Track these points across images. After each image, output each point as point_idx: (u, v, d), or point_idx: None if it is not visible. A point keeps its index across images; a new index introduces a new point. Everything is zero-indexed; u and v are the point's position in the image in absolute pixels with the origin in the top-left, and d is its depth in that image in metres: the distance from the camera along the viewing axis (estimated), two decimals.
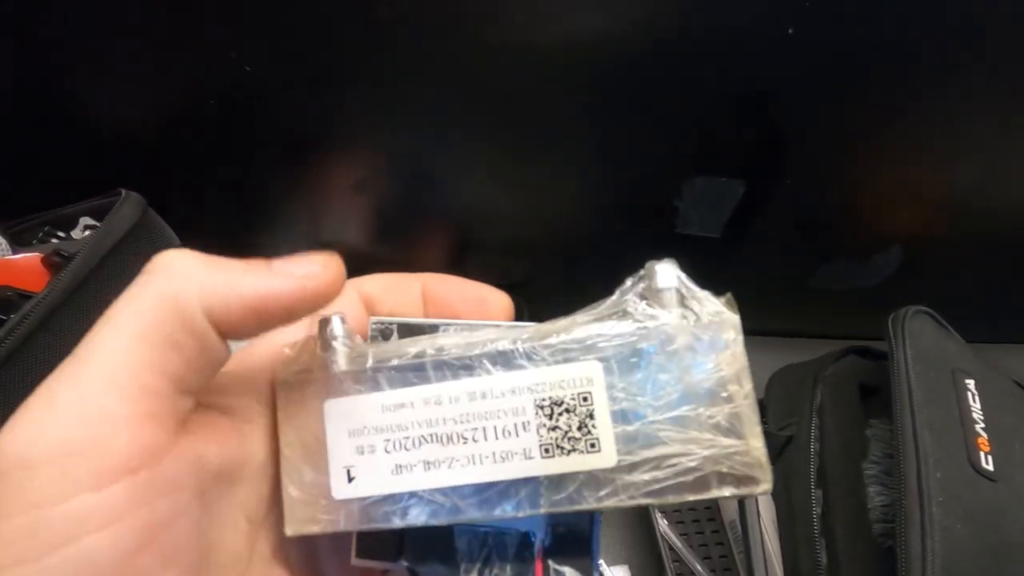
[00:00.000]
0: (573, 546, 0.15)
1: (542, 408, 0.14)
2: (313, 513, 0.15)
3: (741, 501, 0.41)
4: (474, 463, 0.14)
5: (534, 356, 0.14)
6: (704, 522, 0.51)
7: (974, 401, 0.38)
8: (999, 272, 0.59)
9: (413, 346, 0.15)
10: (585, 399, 0.14)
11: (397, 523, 0.14)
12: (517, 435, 0.14)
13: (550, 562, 0.15)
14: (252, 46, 0.43)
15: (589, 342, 0.14)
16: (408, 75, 0.45)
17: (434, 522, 0.14)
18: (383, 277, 0.19)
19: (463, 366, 0.14)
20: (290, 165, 0.51)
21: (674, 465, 0.13)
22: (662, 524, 0.49)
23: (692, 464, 0.13)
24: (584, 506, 0.14)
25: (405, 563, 0.16)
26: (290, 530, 0.15)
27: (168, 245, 0.42)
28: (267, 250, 0.53)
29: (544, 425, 0.14)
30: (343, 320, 0.16)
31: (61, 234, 0.43)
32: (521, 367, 0.14)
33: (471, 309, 0.18)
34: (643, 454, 0.13)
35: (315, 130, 0.49)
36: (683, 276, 0.14)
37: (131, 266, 0.39)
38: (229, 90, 0.45)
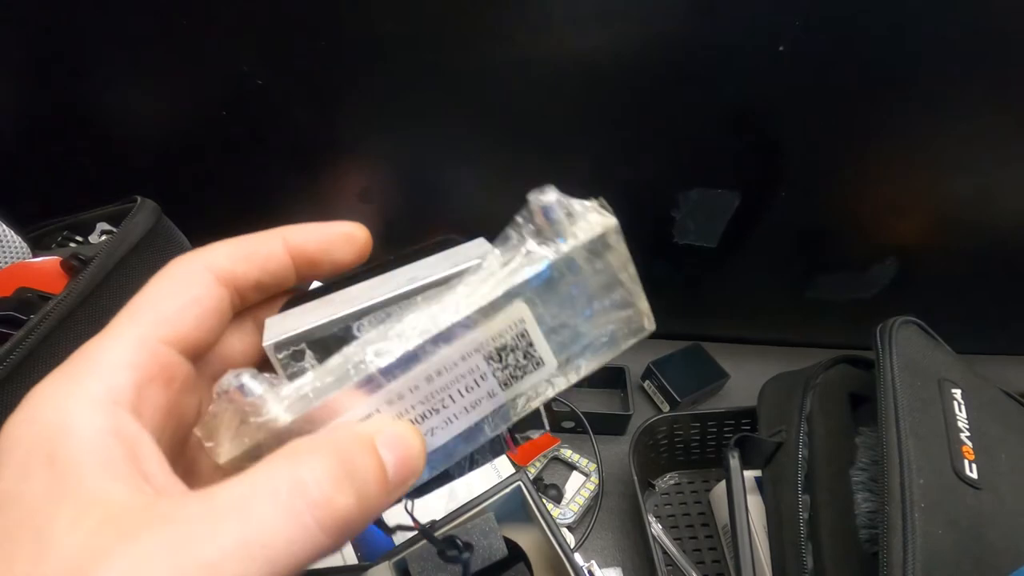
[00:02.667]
0: (528, 418, 0.17)
1: (491, 358, 0.16)
2: None
3: (732, 506, 0.42)
4: (451, 421, 0.16)
5: (470, 323, 0.15)
6: (697, 527, 0.51)
7: (960, 410, 0.38)
8: (992, 284, 0.60)
9: (348, 360, 0.15)
10: (522, 335, 0.16)
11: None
12: (479, 385, 0.16)
13: (516, 435, 0.18)
14: (263, 60, 0.44)
15: (511, 289, 0.16)
16: (411, 89, 0.46)
17: (435, 474, 0.16)
18: (231, 244, 0.17)
19: (410, 358, 0.15)
20: (298, 174, 0.52)
21: (595, 345, 0.17)
22: (655, 527, 0.50)
23: (606, 339, 0.17)
24: (543, 400, 0.17)
25: (407, 502, 0.17)
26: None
27: (180, 250, 0.44)
28: None
29: (497, 369, 0.16)
30: (254, 374, 0.15)
31: (79, 239, 0.45)
32: (462, 336, 0.15)
33: (342, 248, 0.17)
34: (573, 349, 0.17)
35: (322, 140, 0.50)
36: (561, 197, 0.16)
37: (145, 270, 0.41)
38: (240, 102, 0.47)
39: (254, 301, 0.18)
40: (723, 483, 0.50)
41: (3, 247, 0.42)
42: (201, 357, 0.16)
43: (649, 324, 0.17)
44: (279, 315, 0.18)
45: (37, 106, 0.48)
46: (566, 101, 0.48)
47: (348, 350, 0.15)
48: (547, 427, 0.19)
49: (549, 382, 0.17)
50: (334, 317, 0.16)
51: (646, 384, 0.62)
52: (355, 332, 0.16)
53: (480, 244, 0.19)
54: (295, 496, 0.12)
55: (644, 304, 0.17)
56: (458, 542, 0.22)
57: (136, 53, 0.44)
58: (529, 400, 0.17)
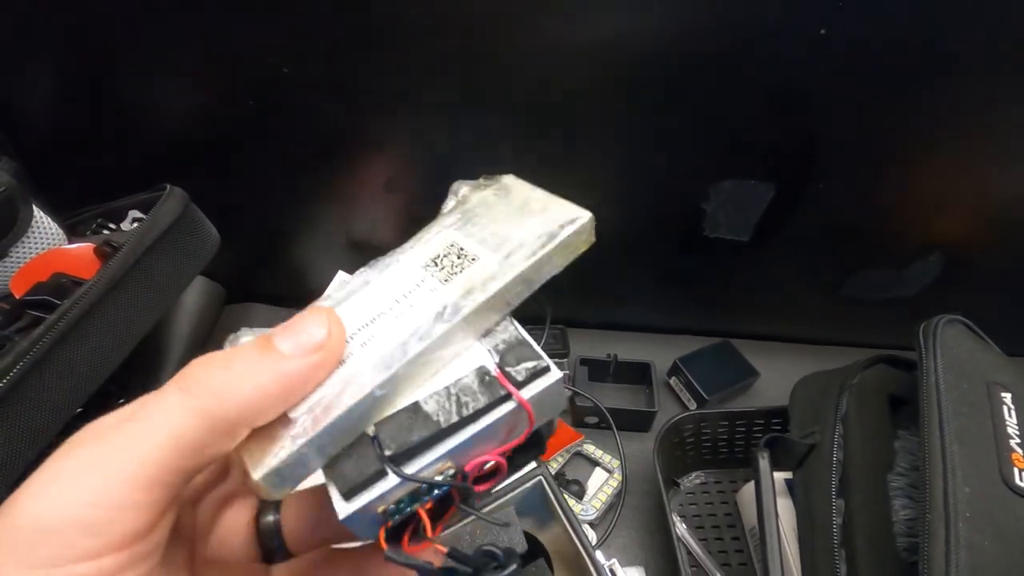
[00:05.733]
0: (520, 350, 0.17)
1: (427, 266, 0.18)
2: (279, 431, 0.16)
3: (761, 508, 0.41)
4: (398, 318, 0.17)
5: (404, 250, 0.20)
6: (723, 528, 0.50)
7: (1010, 415, 0.36)
8: None
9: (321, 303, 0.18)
10: (452, 245, 0.19)
11: (358, 395, 0.16)
12: (419, 287, 0.18)
13: (508, 370, 0.17)
14: (288, 50, 0.44)
15: (435, 231, 0.20)
16: (439, 78, 0.46)
17: (391, 373, 0.16)
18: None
19: (354, 291, 0.18)
20: (323, 163, 0.52)
21: (530, 238, 0.18)
22: (680, 527, 0.49)
23: (540, 232, 0.18)
24: (492, 291, 0.17)
25: (390, 458, 0.15)
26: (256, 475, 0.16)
27: (207, 237, 0.44)
28: (300, 243, 0.55)
29: (434, 271, 0.18)
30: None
31: (112, 226, 0.46)
32: (397, 261, 0.19)
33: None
34: (509, 246, 0.18)
35: (347, 130, 0.50)
36: (471, 181, 0.21)
37: (173, 256, 0.42)
38: (267, 92, 0.47)
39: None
40: (751, 484, 0.48)
41: (41, 234, 0.43)
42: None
43: (584, 214, 0.18)
44: None
45: (72, 100, 0.49)
46: (595, 89, 0.46)
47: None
48: (546, 360, 0.17)
49: (493, 276, 0.17)
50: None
51: (672, 381, 0.60)
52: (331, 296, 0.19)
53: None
54: (169, 386, 0.14)
55: (566, 203, 0.19)
56: (493, 551, 0.20)
57: (166, 44, 0.45)
58: (481, 291, 0.17)
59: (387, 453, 0.15)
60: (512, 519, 0.36)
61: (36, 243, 0.43)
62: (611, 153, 0.51)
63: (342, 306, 0.18)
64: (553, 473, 0.51)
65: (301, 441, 0.15)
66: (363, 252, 0.60)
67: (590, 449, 0.54)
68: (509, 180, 0.20)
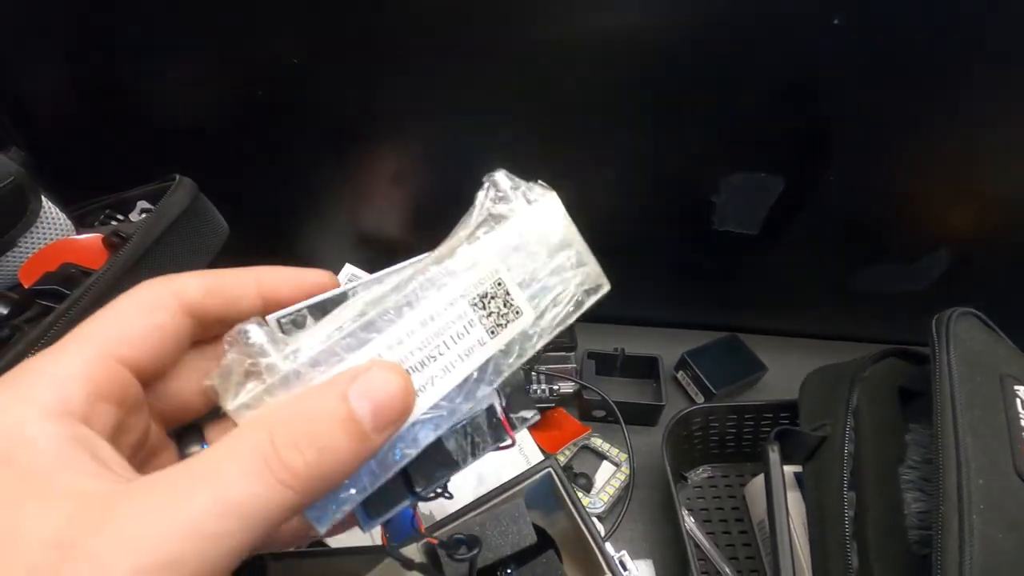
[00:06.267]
0: (520, 396, 0.20)
1: (476, 305, 0.18)
2: (335, 492, 0.16)
3: (771, 501, 0.40)
4: (448, 370, 0.17)
5: (453, 271, 0.18)
6: (731, 522, 0.50)
7: (1023, 408, 0.36)
8: None
9: (349, 311, 0.16)
10: (499, 283, 0.18)
11: (412, 453, 0.17)
12: (468, 332, 0.17)
13: (511, 415, 0.20)
14: (299, 40, 0.44)
15: (484, 245, 0.18)
16: (449, 70, 0.46)
17: (438, 433, 0.17)
18: (205, 276, 0.17)
19: (404, 303, 0.17)
20: (332, 154, 0.52)
21: (562, 300, 0.19)
22: (688, 522, 0.49)
23: (570, 294, 0.19)
24: (527, 355, 0.18)
25: (419, 490, 0.18)
26: (322, 530, 0.16)
27: (216, 227, 0.44)
28: (307, 234, 0.55)
29: (483, 316, 0.18)
30: (260, 323, 0.16)
31: (120, 217, 0.46)
32: (446, 284, 0.17)
33: (304, 294, 0.18)
34: (544, 302, 0.19)
35: (356, 121, 0.50)
36: (513, 177, 0.20)
37: (182, 246, 0.41)
38: (277, 81, 0.47)
39: (215, 334, 0.18)
40: (759, 478, 0.48)
41: (50, 224, 0.43)
42: (153, 381, 0.16)
43: (605, 284, 0.20)
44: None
45: (81, 92, 0.49)
46: (604, 82, 0.46)
47: (347, 303, 0.17)
48: (536, 410, 0.21)
49: (527, 335, 0.18)
50: (332, 293, 0.18)
51: (680, 375, 0.60)
52: (350, 295, 0.18)
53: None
54: (257, 458, 0.13)
55: (596, 264, 0.20)
56: (462, 538, 0.23)
57: (177, 34, 0.44)
58: (518, 356, 0.18)
59: (417, 490, 0.18)
60: (521, 510, 0.36)
61: (45, 233, 0.42)
62: (620, 146, 0.51)
63: (393, 328, 0.17)
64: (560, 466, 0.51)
65: (359, 498, 0.16)
66: (370, 245, 0.59)
67: (597, 442, 0.54)
68: (553, 203, 0.19)
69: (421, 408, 0.16)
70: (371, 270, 0.60)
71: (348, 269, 0.56)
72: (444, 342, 0.17)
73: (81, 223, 0.45)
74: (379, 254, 0.59)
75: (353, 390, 0.14)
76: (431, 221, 0.59)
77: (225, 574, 0.13)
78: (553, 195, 0.19)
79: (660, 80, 0.45)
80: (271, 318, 0.17)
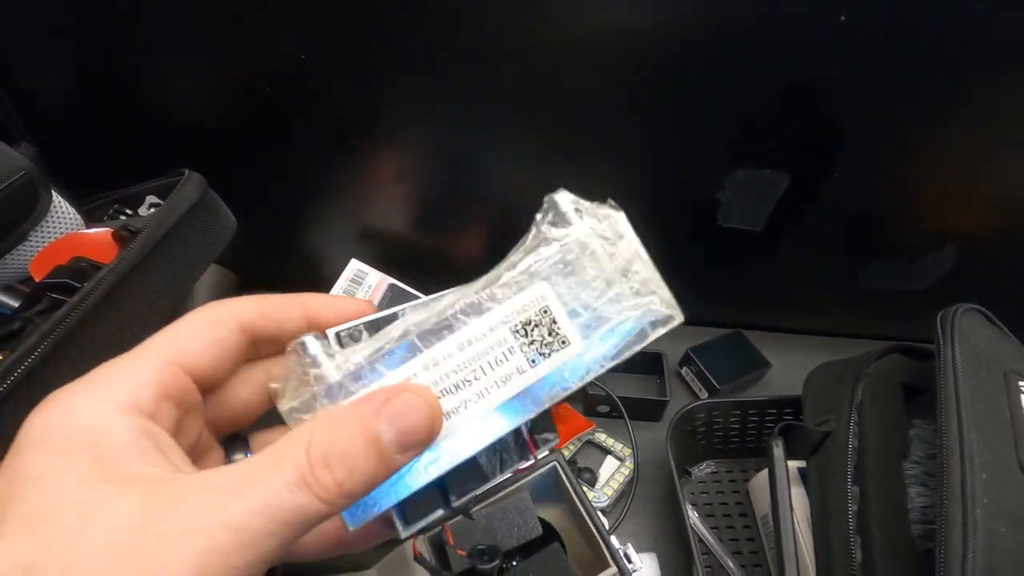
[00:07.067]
0: (543, 419, 0.20)
1: (517, 332, 0.17)
2: (376, 500, 0.17)
3: (775, 496, 0.41)
4: (483, 395, 0.17)
5: (496, 297, 0.17)
6: (735, 517, 0.50)
7: None
8: None
9: (394, 331, 0.17)
10: (545, 311, 0.17)
11: (448, 465, 0.17)
12: (507, 359, 0.17)
13: (536, 436, 0.20)
14: (306, 35, 0.44)
15: (531, 270, 0.17)
16: (454, 67, 0.46)
17: (475, 450, 0.17)
18: (259, 301, 0.19)
19: (444, 327, 0.17)
20: (339, 150, 0.53)
21: (621, 331, 0.17)
22: (692, 516, 0.49)
23: (632, 325, 0.17)
24: (574, 387, 0.17)
25: (455, 502, 0.19)
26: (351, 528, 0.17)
27: (225, 222, 0.44)
28: (314, 230, 0.55)
29: (524, 344, 0.17)
30: (317, 336, 0.17)
31: (129, 211, 0.46)
32: (490, 308, 0.17)
33: (344, 318, 0.19)
34: (598, 332, 0.17)
35: (361, 118, 0.50)
36: (576, 197, 0.18)
37: (191, 241, 0.42)
38: (284, 77, 0.47)
39: (264, 353, 0.20)
40: (762, 473, 0.48)
41: (60, 218, 0.43)
42: (210, 390, 0.19)
43: (677, 315, 0.18)
44: None
45: (90, 87, 0.49)
46: (607, 78, 0.46)
47: (394, 323, 0.18)
48: (556, 436, 0.21)
49: (575, 367, 0.17)
50: (386, 312, 0.19)
51: (684, 371, 0.60)
52: (399, 316, 0.19)
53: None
54: (297, 471, 0.15)
55: (666, 292, 0.18)
56: (483, 548, 0.24)
57: (185, 29, 0.45)
58: (562, 387, 0.18)
59: (453, 503, 0.19)
60: (527, 503, 0.37)
61: (55, 227, 0.43)
62: (626, 143, 0.51)
63: (431, 350, 0.17)
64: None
65: (387, 504, 0.17)
66: (377, 240, 0.60)
67: (601, 437, 0.54)
68: (622, 224, 0.18)
69: (453, 438, 0.17)
70: (377, 266, 0.60)
71: (354, 264, 0.56)
72: (481, 367, 0.17)
73: (90, 217, 0.46)
74: (385, 250, 0.59)
75: (382, 414, 0.16)
76: (437, 217, 0.59)
77: (263, 569, 0.15)
78: (621, 215, 0.18)
79: (663, 77, 0.46)
80: (331, 331, 0.18)
